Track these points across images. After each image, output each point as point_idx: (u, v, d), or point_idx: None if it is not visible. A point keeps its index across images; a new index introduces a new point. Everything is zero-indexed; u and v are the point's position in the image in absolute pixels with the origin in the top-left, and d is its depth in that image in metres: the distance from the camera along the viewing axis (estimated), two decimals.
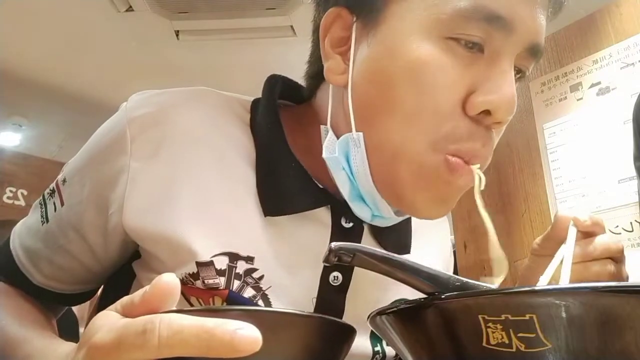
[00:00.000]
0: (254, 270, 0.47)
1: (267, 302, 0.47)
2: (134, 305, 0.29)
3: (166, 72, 2.48)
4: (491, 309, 0.27)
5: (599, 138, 1.12)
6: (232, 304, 0.46)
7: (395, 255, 0.35)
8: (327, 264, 0.34)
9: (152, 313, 0.27)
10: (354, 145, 0.45)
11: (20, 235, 0.54)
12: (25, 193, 2.75)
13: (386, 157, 0.45)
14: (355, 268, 0.49)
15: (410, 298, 0.39)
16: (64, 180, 0.51)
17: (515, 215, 1.23)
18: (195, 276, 0.45)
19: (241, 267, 0.46)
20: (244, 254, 0.46)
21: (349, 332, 0.32)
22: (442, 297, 0.31)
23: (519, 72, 0.47)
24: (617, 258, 0.47)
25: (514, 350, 0.26)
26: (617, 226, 1.05)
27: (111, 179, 0.48)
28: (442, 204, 0.46)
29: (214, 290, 0.45)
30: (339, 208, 0.50)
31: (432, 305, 0.31)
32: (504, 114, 0.41)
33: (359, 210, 0.49)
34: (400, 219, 0.52)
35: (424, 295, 0.34)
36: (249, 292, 0.46)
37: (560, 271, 0.41)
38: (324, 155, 0.46)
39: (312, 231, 0.49)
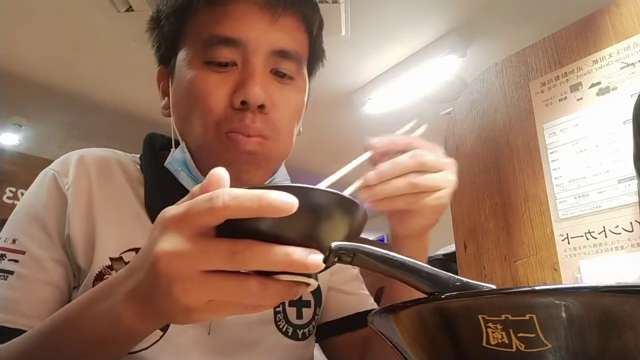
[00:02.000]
0: None
1: None
2: (193, 194, 0.35)
3: None
4: (491, 309, 0.27)
5: (599, 138, 1.12)
6: None
7: (396, 255, 0.35)
8: (327, 264, 0.34)
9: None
10: (183, 152, 0.64)
11: None
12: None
13: (197, 152, 0.63)
14: None
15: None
16: (14, 241, 0.60)
17: (515, 215, 1.23)
18: (110, 268, 0.59)
19: None
20: None
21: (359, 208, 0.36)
22: (442, 297, 0.31)
23: (283, 74, 0.62)
24: (423, 170, 0.52)
25: (514, 350, 0.26)
26: (617, 226, 1.05)
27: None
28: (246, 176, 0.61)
29: None
30: None
31: (432, 305, 0.31)
32: (254, 100, 0.58)
33: None
34: None
35: (424, 295, 0.34)
36: None
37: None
38: (165, 163, 0.66)
39: None
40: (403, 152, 0.53)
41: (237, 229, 0.32)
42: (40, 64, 2.61)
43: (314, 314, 0.71)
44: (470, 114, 1.41)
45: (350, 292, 0.77)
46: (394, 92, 2.78)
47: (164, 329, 0.58)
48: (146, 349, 0.56)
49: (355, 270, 0.80)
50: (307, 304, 0.70)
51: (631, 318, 0.25)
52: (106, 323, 0.38)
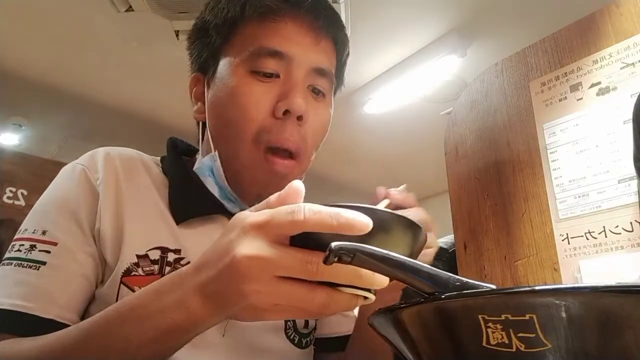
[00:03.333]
0: (182, 258, 0.63)
1: None
2: (269, 203, 0.39)
3: (166, 72, 2.48)
4: (491, 309, 0.27)
5: (599, 138, 1.12)
6: None
7: (396, 255, 0.35)
8: (327, 264, 0.34)
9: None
10: (213, 160, 0.67)
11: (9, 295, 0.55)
12: (25, 193, 2.75)
13: (228, 160, 0.66)
14: None
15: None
16: (44, 232, 0.60)
17: (515, 215, 1.23)
18: (136, 265, 0.61)
19: (171, 257, 0.62)
20: (172, 247, 0.63)
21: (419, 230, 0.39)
22: (442, 297, 0.31)
23: (318, 92, 0.68)
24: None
25: (514, 350, 0.26)
26: (617, 226, 1.05)
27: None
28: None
29: (150, 276, 0.60)
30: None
31: (432, 305, 0.31)
32: (297, 108, 0.62)
33: (230, 207, 0.69)
34: None
35: (424, 295, 0.34)
36: None
37: None
38: (194, 167, 0.70)
39: (218, 229, 0.65)
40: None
41: (310, 241, 0.35)
42: (40, 64, 2.61)
43: (315, 323, 0.73)
44: (470, 114, 1.41)
45: (345, 313, 0.77)
46: (394, 92, 2.78)
47: None
48: None
49: None
50: None
51: (631, 318, 0.25)
52: (175, 313, 0.41)
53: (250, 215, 0.38)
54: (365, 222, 0.34)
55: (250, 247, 0.36)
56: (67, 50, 2.49)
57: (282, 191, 0.39)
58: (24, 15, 2.25)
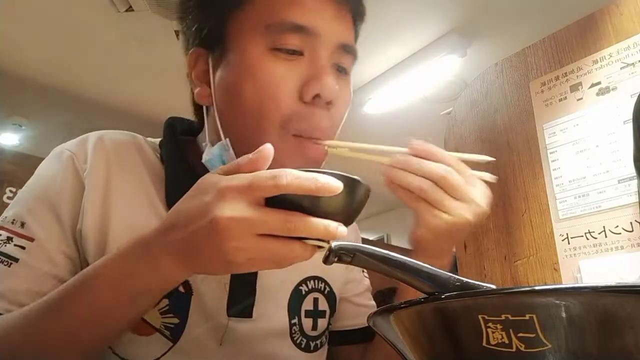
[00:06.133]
0: None
1: (188, 280, 0.58)
2: (239, 166, 0.42)
3: (166, 72, 2.48)
4: (491, 309, 0.27)
5: (599, 138, 1.12)
6: None
7: (396, 255, 0.35)
8: (327, 264, 0.34)
9: (255, 172, 0.40)
10: (224, 150, 0.59)
11: None
12: None
13: (245, 148, 0.55)
14: None
15: (312, 275, 0.65)
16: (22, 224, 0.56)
17: (515, 215, 1.23)
18: None
19: None
20: None
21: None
22: (442, 297, 0.31)
23: (342, 69, 0.60)
24: (444, 186, 0.53)
25: (514, 350, 0.26)
26: (617, 226, 1.05)
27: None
28: None
29: None
30: None
31: (432, 305, 0.31)
32: (329, 94, 0.56)
33: None
34: None
35: (424, 295, 0.34)
36: None
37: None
38: (203, 159, 0.60)
39: None
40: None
41: (285, 202, 0.39)
42: (40, 64, 2.61)
43: (328, 323, 0.69)
44: (470, 114, 1.41)
45: (362, 304, 0.75)
46: (394, 92, 2.78)
47: (174, 340, 0.56)
48: (157, 359, 0.55)
49: (367, 282, 0.78)
50: (322, 314, 0.67)
51: (631, 318, 0.25)
52: (144, 277, 0.43)
53: (224, 179, 0.40)
54: (336, 185, 0.38)
55: (230, 209, 0.38)
56: (67, 50, 2.49)
57: (252, 155, 0.42)
58: (24, 15, 2.25)
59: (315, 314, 0.66)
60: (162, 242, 0.43)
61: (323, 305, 0.68)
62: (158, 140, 0.67)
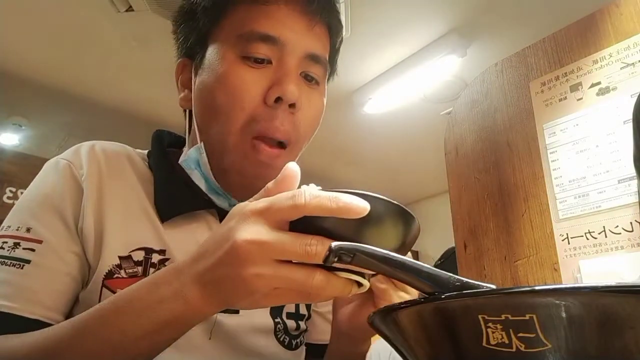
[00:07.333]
0: (167, 259, 0.61)
1: None
2: (267, 190, 0.40)
3: (166, 72, 2.47)
4: (491, 309, 0.27)
5: (599, 138, 1.12)
6: None
7: (396, 255, 0.35)
8: (326, 264, 0.34)
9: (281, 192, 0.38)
10: (200, 152, 0.64)
11: None
12: None
13: (214, 150, 0.63)
14: None
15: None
16: (28, 229, 0.58)
17: (515, 215, 1.23)
18: (118, 267, 0.58)
19: (156, 257, 0.60)
20: (156, 248, 0.61)
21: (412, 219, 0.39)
22: (442, 297, 0.31)
23: (311, 79, 0.64)
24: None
25: (514, 350, 0.26)
26: (617, 226, 1.04)
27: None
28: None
29: (134, 278, 0.58)
30: (223, 212, 0.66)
31: (432, 305, 0.31)
32: (290, 96, 0.59)
33: (218, 201, 0.66)
34: None
35: (424, 295, 0.34)
36: None
37: None
38: (180, 161, 0.67)
39: (204, 228, 0.65)
40: None
41: (310, 225, 0.36)
42: (40, 64, 2.61)
43: (306, 325, 0.72)
44: (470, 114, 1.41)
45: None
46: (394, 92, 2.78)
47: None
48: None
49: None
50: (302, 317, 0.71)
51: (631, 318, 0.25)
52: (173, 304, 0.41)
53: (250, 204, 0.39)
54: (362, 206, 0.35)
55: (249, 232, 0.37)
56: (67, 50, 2.49)
57: (278, 176, 0.40)
58: (24, 15, 2.25)
59: (296, 316, 0.70)
60: (192, 270, 0.41)
61: (303, 310, 0.72)
62: (146, 151, 0.72)
